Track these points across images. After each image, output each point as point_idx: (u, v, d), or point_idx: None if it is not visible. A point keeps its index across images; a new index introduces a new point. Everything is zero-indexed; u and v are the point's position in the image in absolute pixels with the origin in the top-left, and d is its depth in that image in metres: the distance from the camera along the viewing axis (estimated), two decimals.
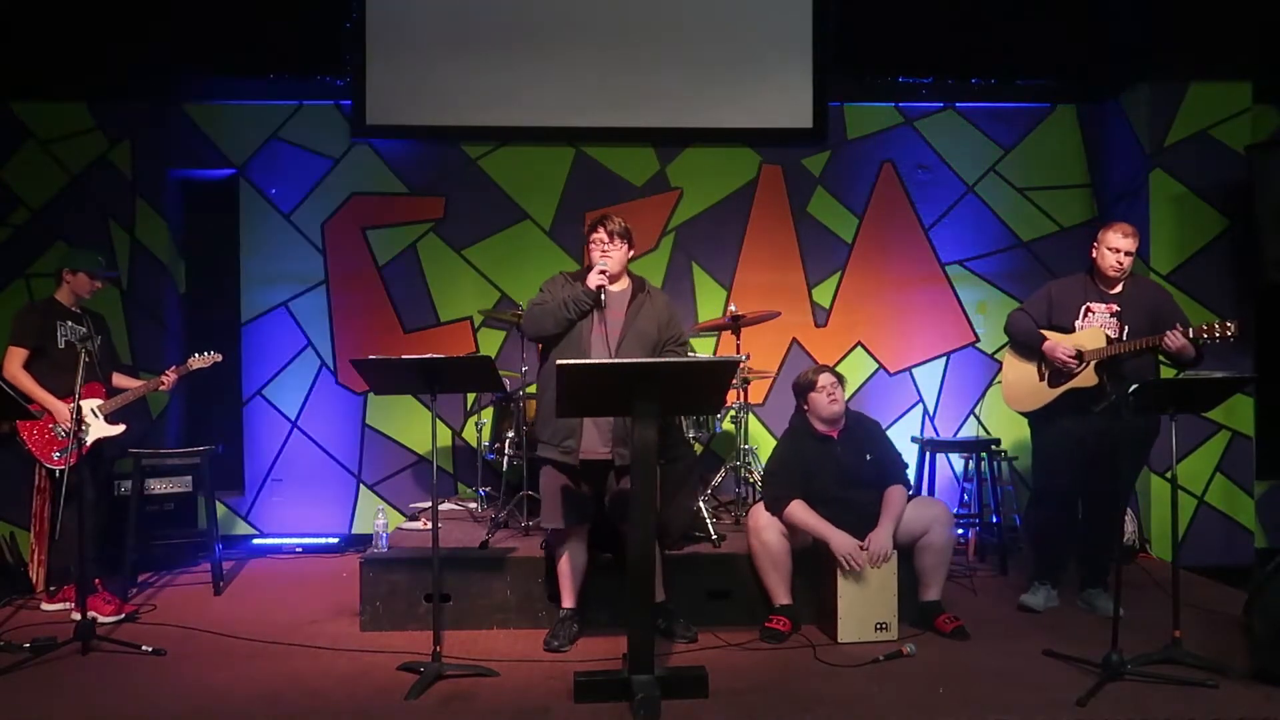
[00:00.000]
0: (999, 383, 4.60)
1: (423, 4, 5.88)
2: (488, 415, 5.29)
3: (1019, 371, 4.49)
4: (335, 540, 5.90)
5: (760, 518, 4.17)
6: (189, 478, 5.42)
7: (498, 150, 6.02)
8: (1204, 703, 3.36)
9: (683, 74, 5.91)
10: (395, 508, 5.80)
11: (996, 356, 5.98)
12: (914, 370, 6.12)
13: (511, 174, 6.03)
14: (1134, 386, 3.61)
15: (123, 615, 4.40)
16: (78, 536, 4.15)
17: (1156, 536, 5.51)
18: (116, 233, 5.87)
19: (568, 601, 4.10)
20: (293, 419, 5.98)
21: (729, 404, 5.10)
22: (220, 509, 5.69)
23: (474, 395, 5.87)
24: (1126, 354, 4.18)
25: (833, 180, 6.11)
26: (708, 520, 4.54)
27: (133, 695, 3.50)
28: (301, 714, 3.35)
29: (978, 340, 6.09)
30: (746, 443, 5.12)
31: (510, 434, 4.94)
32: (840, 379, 4.27)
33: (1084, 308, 4.35)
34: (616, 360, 3.69)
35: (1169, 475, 3.96)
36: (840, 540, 3.99)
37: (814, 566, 4.18)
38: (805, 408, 4.28)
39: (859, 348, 6.11)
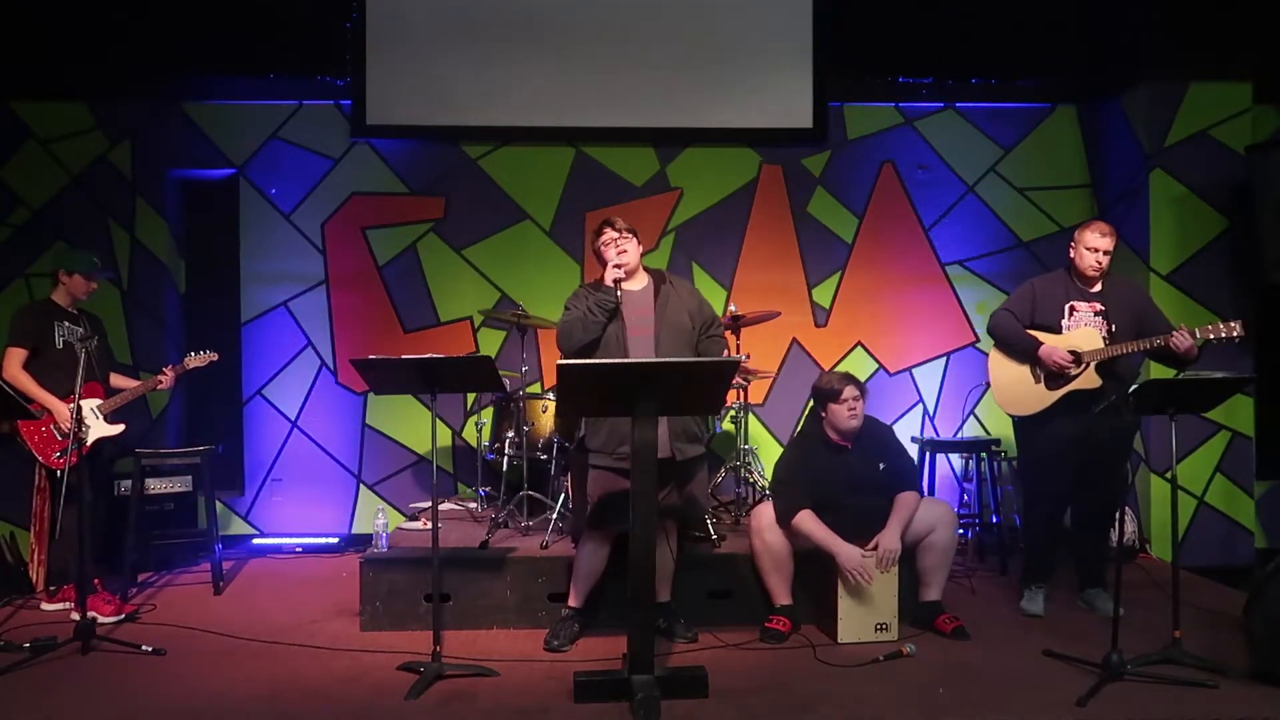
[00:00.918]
0: (988, 384, 4.56)
1: (423, 4, 5.87)
2: (488, 415, 5.29)
3: (1011, 373, 4.43)
4: (335, 540, 5.90)
5: (763, 518, 4.16)
6: (189, 477, 5.43)
7: (498, 150, 6.03)
8: (1204, 703, 3.36)
9: (683, 74, 5.91)
10: (395, 508, 5.80)
11: None
12: (914, 370, 6.12)
13: (511, 174, 6.03)
14: (1134, 387, 3.61)
15: (123, 615, 4.41)
16: (77, 536, 4.15)
17: (1156, 537, 5.51)
18: (116, 233, 5.87)
19: (575, 601, 4.09)
20: (293, 419, 5.98)
21: (729, 404, 5.10)
22: (220, 509, 5.69)
23: (474, 395, 5.88)
24: (1127, 355, 4.18)
25: (833, 180, 6.11)
26: (708, 520, 4.53)
27: (133, 695, 3.50)
28: (301, 714, 3.35)
29: (978, 340, 6.09)
30: (746, 443, 5.12)
31: (510, 434, 4.94)
32: (863, 391, 4.16)
33: (1068, 307, 4.34)
34: (616, 360, 3.69)
35: (1169, 475, 3.96)
36: (847, 554, 3.95)
37: (815, 567, 4.17)
38: (823, 415, 4.20)
39: (859, 348, 6.11)
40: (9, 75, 5.68)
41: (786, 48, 5.96)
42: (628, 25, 5.93)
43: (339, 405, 6.00)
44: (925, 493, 5.27)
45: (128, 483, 5.08)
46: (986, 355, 6.01)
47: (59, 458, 4.45)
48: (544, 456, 4.91)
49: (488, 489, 5.41)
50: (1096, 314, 4.30)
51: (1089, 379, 4.22)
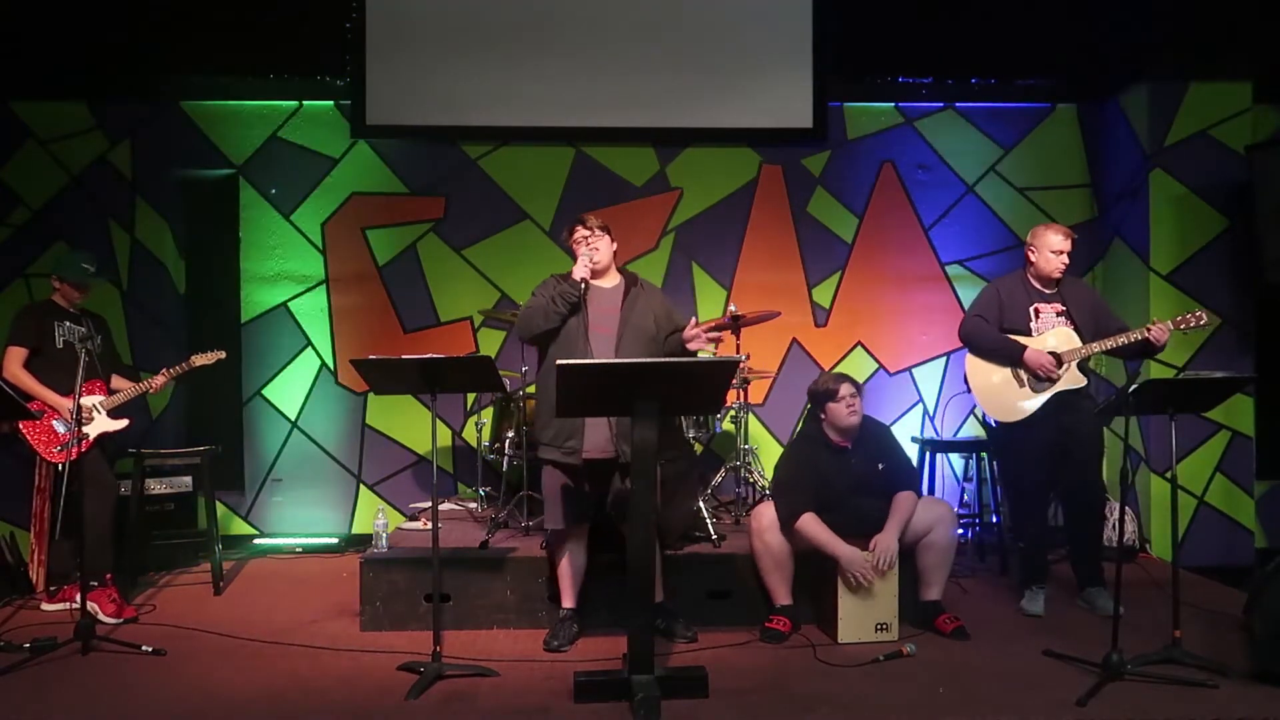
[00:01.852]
0: (968, 391, 4.56)
1: (423, 4, 5.87)
2: (488, 415, 5.29)
3: (995, 379, 4.43)
4: (335, 540, 5.90)
5: (763, 518, 4.16)
6: (189, 478, 5.43)
7: (498, 150, 6.02)
8: (1204, 703, 3.36)
9: (683, 74, 5.91)
10: (395, 508, 5.80)
11: None
12: (914, 370, 6.12)
13: (511, 174, 6.02)
14: (1134, 386, 3.61)
15: (122, 619, 4.38)
16: (77, 535, 4.16)
17: (1156, 536, 5.51)
18: (116, 233, 5.87)
19: (568, 602, 4.10)
20: (293, 419, 5.98)
21: (729, 404, 5.10)
22: (220, 509, 5.68)
23: (474, 395, 5.88)
24: (1106, 351, 4.28)
25: (833, 180, 6.11)
26: (708, 520, 4.53)
27: (133, 695, 3.50)
28: (301, 714, 3.35)
29: None
30: (746, 443, 5.12)
31: (510, 434, 4.94)
32: (859, 389, 4.18)
33: (1032, 309, 4.41)
34: (616, 360, 3.70)
35: (1169, 475, 3.96)
36: (849, 556, 3.96)
37: (815, 567, 4.17)
38: (822, 416, 4.20)
39: (859, 348, 6.10)
40: (9, 75, 5.68)
41: (786, 47, 5.95)
42: (627, 25, 5.92)
43: (339, 405, 6.00)
44: (925, 492, 5.29)
45: (128, 483, 5.08)
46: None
47: (60, 451, 4.45)
48: None
49: (488, 489, 5.42)
50: (1058, 314, 4.39)
51: (1074, 378, 4.31)
